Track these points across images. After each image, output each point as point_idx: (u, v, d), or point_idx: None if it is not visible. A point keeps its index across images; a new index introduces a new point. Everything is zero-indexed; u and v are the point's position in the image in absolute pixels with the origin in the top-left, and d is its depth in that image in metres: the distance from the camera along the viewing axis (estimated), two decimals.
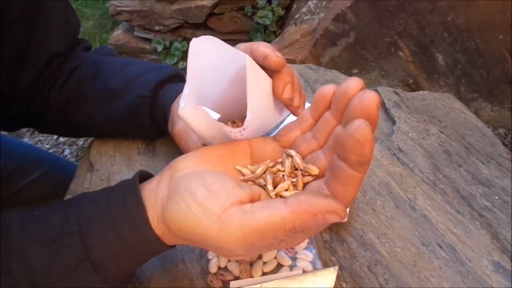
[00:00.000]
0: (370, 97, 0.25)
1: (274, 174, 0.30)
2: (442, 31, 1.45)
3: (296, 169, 0.30)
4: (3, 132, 0.65)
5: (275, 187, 0.29)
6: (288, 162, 0.30)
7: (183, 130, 0.42)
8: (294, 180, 0.29)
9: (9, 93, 0.48)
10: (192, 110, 0.31)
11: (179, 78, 0.50)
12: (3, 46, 0.44)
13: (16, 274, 0.29)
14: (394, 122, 0.57)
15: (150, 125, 0.49)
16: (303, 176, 0.29)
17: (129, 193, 0.30)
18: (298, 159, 0.30)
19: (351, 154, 0.24)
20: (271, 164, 0.31)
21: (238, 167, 0.31)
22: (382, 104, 0.61)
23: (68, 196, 0.47)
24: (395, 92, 0.63)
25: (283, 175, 0.30)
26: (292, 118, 0.35)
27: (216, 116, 0.29)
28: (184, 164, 0.30)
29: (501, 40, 1.40)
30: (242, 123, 0.32)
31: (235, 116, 0.36)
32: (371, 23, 1.49)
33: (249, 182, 0.30)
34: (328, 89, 0.29)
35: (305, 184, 0.29)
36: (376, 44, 1.53)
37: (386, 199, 0.46)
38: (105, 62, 0.52)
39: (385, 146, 0.53)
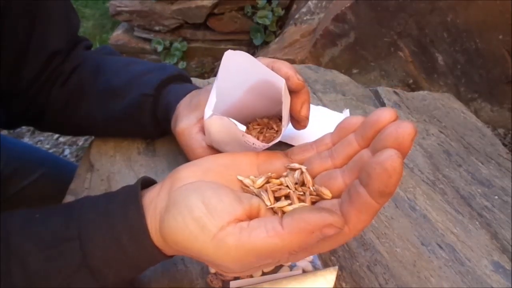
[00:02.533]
0: (406, 128, 0.24)
1: (278, 185, 0.29)
2: (442, 31, 1.45)
3: (303, 185, 0.29)
4: (3, 132, 0.65)
5: (277, 199, 0.29)
6: (291, 177, 0.29)
7: (186, 129, 0.42)
8: (301, 193, 0.28)
9: (9, 91, 0.48)
10: (218, 120, 0.33)
11: (182, 78, 0.50)
12: (3, 44, 0.44)
13: (14, 275, 0.29)
14: None
15: (151, 123, 0.49)
16: (311, 195, 0.28)
17: (130, 201, 0.30)
18: (308, 176, 0.29)
19: (375, 182, 0.23)
20: (273, 175, 0.30)
21: (240, 178, 0.30)
22: (382, 104, 0.61)
23: (68, 196, 0.47)
24: (394, 92, 0.63)
25: (289, 190, 0.29)
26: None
27: (243, 128, 0.32)
28: (185, 173, 0.29)
29: (500, 40, 1.40)
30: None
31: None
32: (371, 23, 1.49)
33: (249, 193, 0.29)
34: (356, 119, 0.29)
35: (314, 202, 0.28)
36: (376, 44, 1.53)
37: None
38: (107, 61, 0.51)
39: None
